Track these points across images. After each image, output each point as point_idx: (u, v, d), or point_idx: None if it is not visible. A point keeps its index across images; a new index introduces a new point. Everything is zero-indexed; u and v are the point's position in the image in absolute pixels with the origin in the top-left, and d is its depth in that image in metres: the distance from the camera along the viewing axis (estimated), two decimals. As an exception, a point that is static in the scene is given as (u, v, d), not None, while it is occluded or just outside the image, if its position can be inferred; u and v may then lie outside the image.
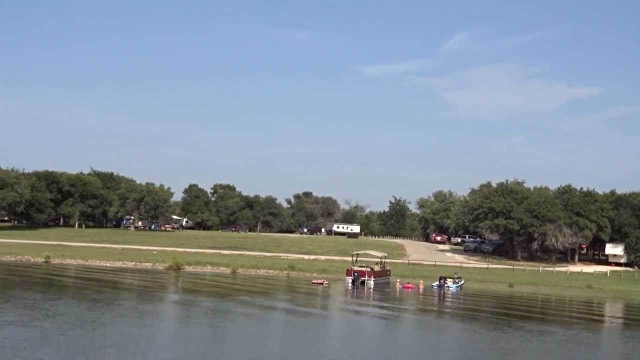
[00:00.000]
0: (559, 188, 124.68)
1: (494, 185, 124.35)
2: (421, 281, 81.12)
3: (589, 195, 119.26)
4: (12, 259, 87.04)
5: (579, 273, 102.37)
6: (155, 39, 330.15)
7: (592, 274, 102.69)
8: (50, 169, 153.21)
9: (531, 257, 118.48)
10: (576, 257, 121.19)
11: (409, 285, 78.19)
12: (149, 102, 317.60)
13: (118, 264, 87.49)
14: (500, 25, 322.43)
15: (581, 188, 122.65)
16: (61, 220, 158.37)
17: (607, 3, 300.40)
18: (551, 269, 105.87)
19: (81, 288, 62.21)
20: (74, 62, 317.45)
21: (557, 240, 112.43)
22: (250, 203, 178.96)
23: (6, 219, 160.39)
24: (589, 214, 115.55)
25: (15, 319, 40.80)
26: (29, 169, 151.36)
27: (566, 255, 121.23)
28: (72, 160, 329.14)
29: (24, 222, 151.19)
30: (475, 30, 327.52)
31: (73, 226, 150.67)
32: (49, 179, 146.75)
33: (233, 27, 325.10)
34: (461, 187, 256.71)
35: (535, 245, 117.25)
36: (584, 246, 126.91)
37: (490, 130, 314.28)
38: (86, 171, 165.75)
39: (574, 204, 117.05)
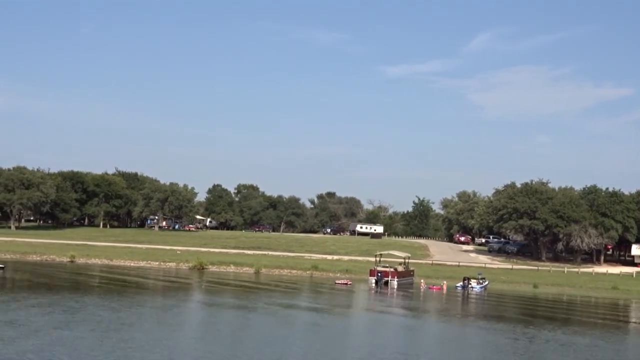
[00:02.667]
0: (584, 188, 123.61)
1: (518, 185, 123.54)
2: (444, 282, 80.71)
3: (615, 196, 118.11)
4: (38, 258, 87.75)
5: (604, 274, 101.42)
6: (182, 40, 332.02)
7: (617, 275, 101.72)
8: (75, 169, 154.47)
9: (556, 258, 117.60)
10: (602, 258, 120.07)
11: (435, 286, 77.90)
12: (173, 102, 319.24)
13: (142, 263, 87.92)
14: (524, 25, 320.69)
15: (607, 188, 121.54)
16: (86, 220, 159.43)
17: (633, 2, 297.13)
18: (576, 270, 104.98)
19: (107, 288, 62.58)
20: (100, 64, 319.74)
21: (583, 241, 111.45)
22: (273, 203, 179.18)
23: (32, 218, 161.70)
24: (615, 214, 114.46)
25: (43, 319, 41.13)
26: (54, 169, 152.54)
27: (591, 256, 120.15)
28: (97, 160, 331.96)
29: (50, 222, 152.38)
30: (499, 30, 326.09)
31: (98, 226, 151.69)
32: (74, 179, 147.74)
33: (256, 28, 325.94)
34: (485, 188, 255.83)
35: (560, 246, 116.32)
36: (609, 247, 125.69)
37: (515, 131, 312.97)
38: (111, 171, 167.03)
39: (599, 205, 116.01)
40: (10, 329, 36.86)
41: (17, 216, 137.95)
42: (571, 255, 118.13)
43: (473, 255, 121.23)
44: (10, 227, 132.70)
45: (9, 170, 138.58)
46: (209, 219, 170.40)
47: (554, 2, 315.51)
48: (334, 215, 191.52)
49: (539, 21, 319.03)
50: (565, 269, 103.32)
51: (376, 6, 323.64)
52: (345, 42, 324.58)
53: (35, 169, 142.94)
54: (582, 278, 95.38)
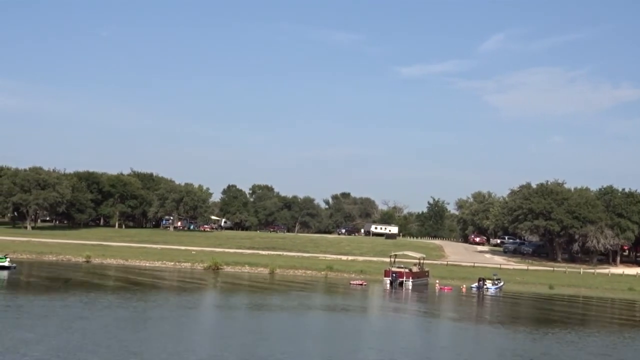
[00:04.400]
0: (600, 189, 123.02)
1: (533, 186, 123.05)
2: (463, 285, 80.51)
3: (631, 196, 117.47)
4: (54, 258, 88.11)
5: (620, 275, 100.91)
6: (197, 40, 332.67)
7: (634, 276, 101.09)
8: (91, 170, 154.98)
9: (572, 259, 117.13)
10: (618, 259, 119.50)
11: (446, 287, 77.84)
12: (189, 103, 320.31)
13: (157, 264, 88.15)
14: (538, 26, 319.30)
15: (623, 189, 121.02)
16: (101, 221, 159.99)
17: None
18: (592, 270, 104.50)
19: (124, 287, 62.77)
20: (117, 64, 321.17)
21: (599, 242, 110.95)
22: (288, 204, 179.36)
23: (48, 219, 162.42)
24: (631, 215, 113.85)
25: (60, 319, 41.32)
26: (70, 170, 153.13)
27: (608, 257, 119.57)
28: (112, 161, 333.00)
29: (65, 222, 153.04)
30: (513, 30, 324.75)
31: (113, 226, 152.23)
32: (89, 180, 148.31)
33: (272, 29, 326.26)
34: (500, 188, 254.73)
35: (576, 246, 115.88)
36: (625, 248, 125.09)
37: (530, 132, 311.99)
38: (126, 172, 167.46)
39: (615, 205, 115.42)
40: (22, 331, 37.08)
41: (33, 216, 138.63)
42: (587, 256, 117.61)
43: (488, 256, 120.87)
44: (26, 228, 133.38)
45: (25, 170, 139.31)
46: (223, 220, 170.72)
47: (567, 3, 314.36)
48: (348, 215, 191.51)
49: (552, 22, 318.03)
50: (581, 270, 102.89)
51: (390, 7, 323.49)
52: (360, 43, 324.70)
53: (51, 170, 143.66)
54: (598, 279, 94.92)
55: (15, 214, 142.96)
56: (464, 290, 77.49)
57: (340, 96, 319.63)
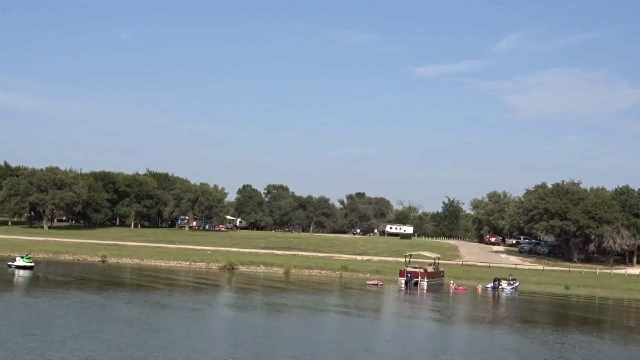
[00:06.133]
0: (616, 189, 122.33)
1: (549, 186, 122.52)
2: (479, 286, 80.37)
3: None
4: (70, 258, 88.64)
5: (637, 276, 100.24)
6: (212, 40, 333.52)
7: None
8: (107, 170, 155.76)
9: (588, 260, 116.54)
10: (635, 260, 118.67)
11: (461, 287, 77.73)
12: (204, 103, 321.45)
13: (173, 263, 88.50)
14: (554, 25, 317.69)
15: (639, 189, 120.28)
16: (117, 221, 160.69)
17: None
18: (609, 271, 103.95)
19: (140, 286, 63.09)
20: (131, 65, 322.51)
21: (615, 242, 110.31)
22: (303, 204, 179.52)
23: (64, 219, 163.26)
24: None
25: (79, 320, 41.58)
26: (86, 170, 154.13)
27: (624, 258, 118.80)
28: (128, 161, 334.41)
29: (82, 222, 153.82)
30: (528, 30, 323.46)
31: (129, 226, 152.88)
32: (105, 180, 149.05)
33: (287, 29, 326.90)
34: (516, 188, 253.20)
35: (592, 247, 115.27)
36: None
37: (547, 132, 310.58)
38: (142, 172, 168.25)
39: (632, 205, 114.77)
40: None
41: (49, 216, 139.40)
42: (603, 256, 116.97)
43: (504, 256, 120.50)
44: (43, 227, 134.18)
45: (42, 170, 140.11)
46: (239, 220, 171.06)
47: (582, 2, 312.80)
48: (363, 215, 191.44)
49: (569, 21, 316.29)
50: (598, 271, 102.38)
51: (405, 7, 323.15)
52: (374, 43, 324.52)
53: (68, 170, 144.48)
54: (614, 280, 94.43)
55: (32, 214, 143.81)
56: (479, 290, 77.33)
57: (354, 96, 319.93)
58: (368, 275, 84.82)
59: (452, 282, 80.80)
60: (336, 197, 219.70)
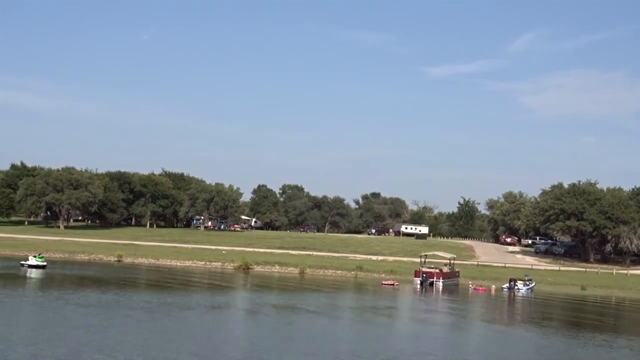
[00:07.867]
0: (633, 189, 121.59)
1: (565, 186, 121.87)
2: (492, 286, 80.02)
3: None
4: (86, 258, 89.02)
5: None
6: (227, 41, 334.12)
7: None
8: (122, 170, 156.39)
9: (604, 260, 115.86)
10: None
11: (481, 287, 77.45)
12: (219, 103, 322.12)
13: (188, 263, 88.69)
14: (568, 25, 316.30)
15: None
16: (133, 220, 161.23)
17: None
18: (625, 271, 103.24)
19: (155, 286, 63.24)
20: (148, 66, 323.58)
21: (632, 243, 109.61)
22: (318, 203, 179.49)
23: (80, 218, 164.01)
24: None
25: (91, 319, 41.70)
26: (102, 170, 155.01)
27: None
28: (143, 160, 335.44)
29: (97, 221, 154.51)
30: (543, 30, 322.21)
31: (144, 226, 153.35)
32: (121, 180, 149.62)
33: (301, 30, 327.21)
34: (531, 188, 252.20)
35: (608, 247, 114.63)
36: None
37: (563, 132, 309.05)
38: (157, 172, 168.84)
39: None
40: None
41: (65, 216, 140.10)
42: (620, 256, 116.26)
43: (519, 256, 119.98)
44: (59, 227, 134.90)
45: (57, 170, 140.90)
46: (254, 219, 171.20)
47: (597, 2, 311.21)
48: (378, 215, 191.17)
49: (583, 21, 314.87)
50: (614, 271, 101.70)
51: (419, 7, 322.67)
52: (389, 43, 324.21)
53: (84, 170, 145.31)
54: (631, 280, 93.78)
55: (48, 213, 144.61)
56: (493, 291, 76.93)
57: (369, 96, 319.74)
58: (383, 275, 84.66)
59: (470, 282, 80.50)
60: (351, 197, 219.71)
